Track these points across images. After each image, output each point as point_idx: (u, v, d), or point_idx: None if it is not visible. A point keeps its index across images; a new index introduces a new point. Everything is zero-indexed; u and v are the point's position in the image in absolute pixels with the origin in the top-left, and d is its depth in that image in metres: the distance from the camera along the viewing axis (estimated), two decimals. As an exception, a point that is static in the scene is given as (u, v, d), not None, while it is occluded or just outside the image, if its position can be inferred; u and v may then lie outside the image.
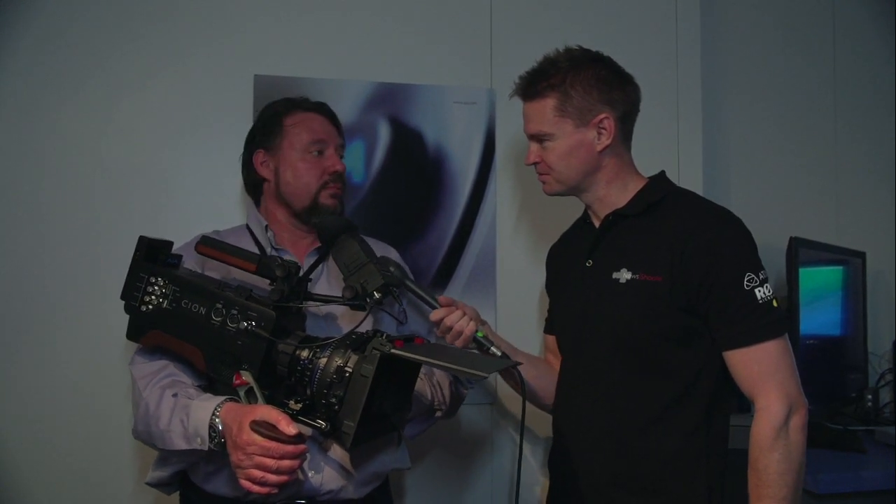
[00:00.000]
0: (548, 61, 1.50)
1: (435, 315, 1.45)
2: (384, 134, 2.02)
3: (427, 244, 2.04)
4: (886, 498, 1.86)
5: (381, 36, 2.04)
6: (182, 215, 1.87)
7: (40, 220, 1.84)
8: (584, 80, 1.46)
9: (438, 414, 1.63)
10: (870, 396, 2.42)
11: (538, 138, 1.50)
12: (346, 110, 1.98)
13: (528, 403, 1.50)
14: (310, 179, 1.57)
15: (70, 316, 1.82)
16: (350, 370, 1.23)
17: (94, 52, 1.87)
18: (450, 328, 1.44)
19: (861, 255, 2.48)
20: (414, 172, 2.04)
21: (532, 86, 1.49)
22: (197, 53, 1.93)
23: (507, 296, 2.08)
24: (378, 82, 2.02)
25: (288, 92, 1.74)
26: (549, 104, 1.47)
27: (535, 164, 1.53)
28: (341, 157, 1.64)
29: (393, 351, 1.21)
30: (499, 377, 1.67)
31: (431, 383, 1.59)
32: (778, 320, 1.38)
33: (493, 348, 1.46)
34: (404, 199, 2.03)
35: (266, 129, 1.61)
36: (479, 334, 1.46)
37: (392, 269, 1.47)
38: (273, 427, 1.19)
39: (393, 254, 1.70)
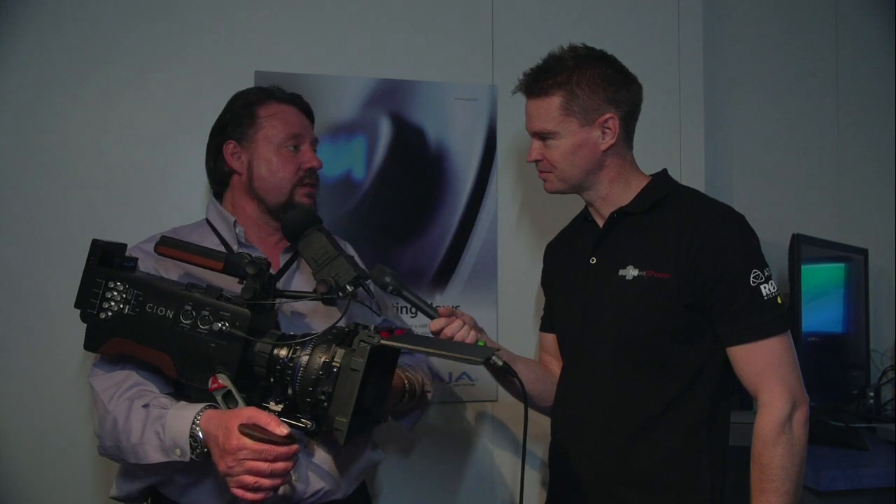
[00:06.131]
0: (553, 59, 1.49)
1: (435, 325, 1.42)
2: (385, 130, 2.01)
3: (428, 241, 2.03)
4: (888, 495, 1.86)
5: (383, 32, 2.03)
6: (182, 213, 1.85)
7: (40, 217, 1.83)
8: (590, 79, 1.45)
9: (429, 396, 1.58)
10: (872, 394, 2.42)
11: (541, 136, 1.50)
12: (347, 107, 1.98)
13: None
14: (285, 175, 1.51)
15: (69, 313, 1.81)
16: (338, 365, 1.19)
17: (94, 48, 1.87)
18: (450, 338, 1.42)
19: (863, 252, 2.47)
20: (415, 169, 2.03)
21: (537, 83, 1.48)
22: (198, 50, 1.92)
23: (508, 293, 2.07)
24: (379, 79, 2.01)
25: (289, 89, 1.70)
26: (554, 102, 1.46)
27: (536, 161, 1.53)
28: (315, 151, 1.58)
29: (383, 342, 1.18)
30: (498, 385, 1.65)
31: (419, 371, 1.55)
32: (782, 317, 1.39)
33: (493, 357, 1.42)
34: (405, 196, 2.02)
35: (238, 120, 1.55)
36: (480, 343, 1.43)
37: (388, 278, 1.43)
38: (263, 429, 1.14)
39: (349, 249, 1.66)
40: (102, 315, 1.30)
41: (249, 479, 1.14)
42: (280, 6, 1.97)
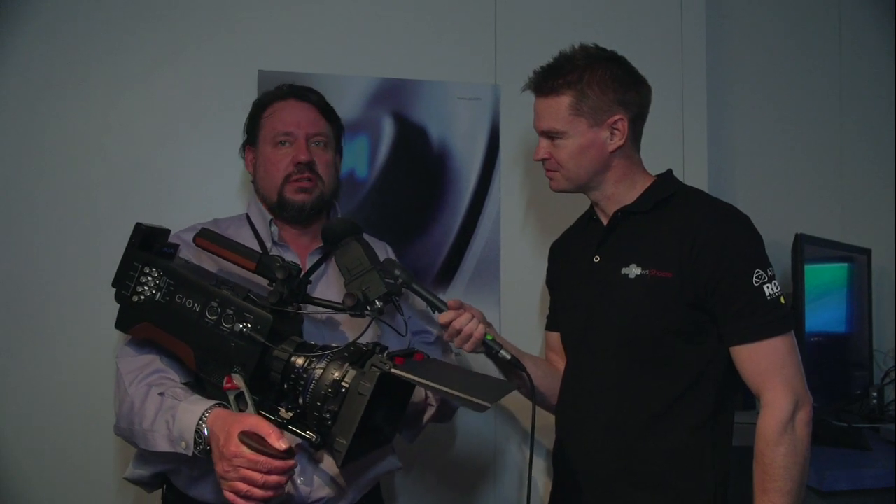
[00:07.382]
0: (564, 58, 1.48)
1: (444, 318, 1.42)
2: (388, 130, 2.01)
3: (431, 240, 2.03)
4: (891, 495, 1.86)
5: (386, 31, 2.03)
6: (185, 211, 1.85)
7: (43, 215, 1.83)
8: (600, 79, 1.45)
9: (430, 411, 1.56)
10: (874, 394, 2.41)
11: (549, 135, 1.49)
12: (350, 106, 1.98)
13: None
14: (276, 172, 1.49)
15: (72, 311, 1.82)
16: (347, 385, 1.18)
17: (97, 47, 1.87)
18: (458, 331, 1.42)
19: (866, 252, 2.47)
20: (418, 168, 2.03)
21: (547, 81, 1.47)
22: (201, 49, 1.92)
23: (511, 292, 2.07)
24: (382, 78, 2.01)
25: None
26: (564, 102, 1.46)
27: (543, 160, 1.53)
28: (320, 143, 1.54)
29: (393, 370, 1.17)
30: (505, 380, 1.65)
31: None
32: (785, 317, 1.39)
33: (501, 352, 1.44)
34: (408, 195, 2.02)
35: (250, 125, 1.57)
36: (488, 338, 1.43)
37: (398, 272, 1.42)
38: (262, 440, 1.14)
39: (389, 252, 1.66)
40: (135, 298, 1.32)
41: (242, 486, 1.15)
42: (283, 5, 1.97)
